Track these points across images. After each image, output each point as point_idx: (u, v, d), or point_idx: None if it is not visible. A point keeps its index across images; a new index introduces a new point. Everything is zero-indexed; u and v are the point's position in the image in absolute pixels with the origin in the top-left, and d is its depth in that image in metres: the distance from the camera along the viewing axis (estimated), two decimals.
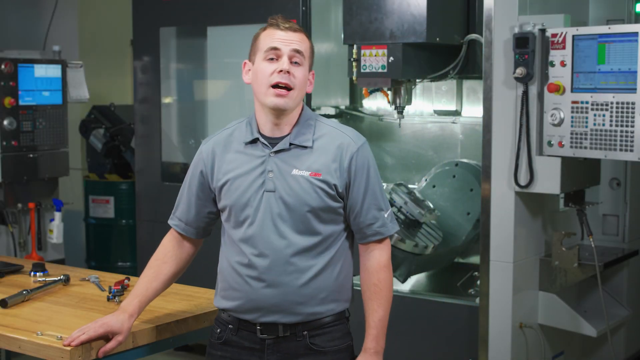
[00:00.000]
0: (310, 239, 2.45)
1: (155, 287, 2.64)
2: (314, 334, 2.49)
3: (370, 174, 2.50)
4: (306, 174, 2.44)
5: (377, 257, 2.53)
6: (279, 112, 2.45)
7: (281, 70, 2.40)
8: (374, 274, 2.52)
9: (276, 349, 2.48)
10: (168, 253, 2.66)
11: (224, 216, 2.56)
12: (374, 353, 2.49)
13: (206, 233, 2.70)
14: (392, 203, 4.57)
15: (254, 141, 2.50)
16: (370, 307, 2.51)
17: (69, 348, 2.48)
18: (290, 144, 2.47)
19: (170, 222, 2.68)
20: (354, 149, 2.48)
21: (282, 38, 2.42)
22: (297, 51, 2.43)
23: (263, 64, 2.43)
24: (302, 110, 2.53)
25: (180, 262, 2.68)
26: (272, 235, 2.43)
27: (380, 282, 2.51)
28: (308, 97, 4.72)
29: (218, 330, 2.58)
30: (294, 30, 2.45)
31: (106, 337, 2.53)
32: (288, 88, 2.42)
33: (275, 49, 2.42)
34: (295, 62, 2.43)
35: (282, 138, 2.48)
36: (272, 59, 2.42)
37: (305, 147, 2.47)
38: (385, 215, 2.52)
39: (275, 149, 2.46)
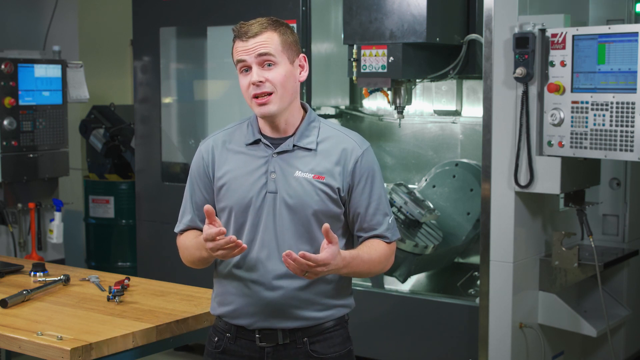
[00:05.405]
0: (309, 245, 2.39)
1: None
2: (314, 340, 2.45)
3: (375, 179, 2.46)
4: (309, 176, 2.40)
5: (383, 245, 2.46)
6: (271, 117, 2.43)
7: (253, 83, 2.39)
8: (375, 244, 2.44)
9: (276, 357, 2.44)
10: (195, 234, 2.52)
11: (222, 219, 2.47)
12: (342, 260, 2.32)
13: None
14: (392, 203, 4.57)
15: (256, 142, 2.46)
16: (359, 248, 2.42)
17: (69, 348, 2.47)
18: (294, 146, 2.43)
19: (177, 229, 2.57)
20: (359, 153, 2.44)
21: (245, 48, 2.38)
22: (263, 54, 2.38)
23: (240, 77, 2.42)
24: (306, 112, 2.50)
25: None
26: (273, 238, 2.40)
27: (378, 251, 2.42)
28: (308, 97, 4.71)
29: (216, 339, 2.53)
30: (255, 34, 2.38)
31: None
32: (268, 93, 2.39)
33: (242, 61, 2.40)
34: (268, 64, 2.39)
35: (285, 139, 2.45)
36: (245, 70, 2.41)
37: (309, 149, 2.43)
38: (390, 221, 2.48)
39: (278, 149, 2.43)
